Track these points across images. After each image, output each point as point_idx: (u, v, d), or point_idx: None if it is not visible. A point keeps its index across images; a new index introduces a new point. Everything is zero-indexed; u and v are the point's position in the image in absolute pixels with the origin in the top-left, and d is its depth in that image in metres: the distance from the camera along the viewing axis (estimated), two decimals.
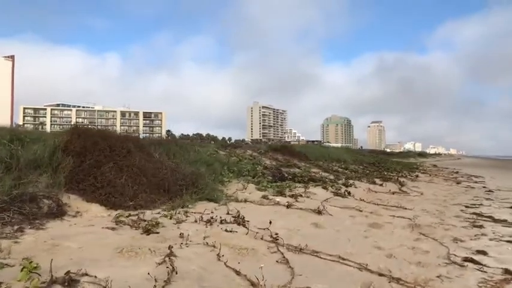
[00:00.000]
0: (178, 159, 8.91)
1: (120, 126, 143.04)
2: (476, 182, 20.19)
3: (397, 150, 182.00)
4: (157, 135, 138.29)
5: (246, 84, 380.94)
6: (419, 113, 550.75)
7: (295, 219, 7.15)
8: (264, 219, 6.71)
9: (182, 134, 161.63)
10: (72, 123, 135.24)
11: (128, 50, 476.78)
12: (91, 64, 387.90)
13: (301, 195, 9.12)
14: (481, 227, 8.25)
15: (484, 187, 17.47)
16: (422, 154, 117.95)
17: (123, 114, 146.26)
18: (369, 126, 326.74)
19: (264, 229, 5.98)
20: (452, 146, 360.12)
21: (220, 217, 6.02)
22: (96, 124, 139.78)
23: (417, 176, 20.61)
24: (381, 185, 14.11)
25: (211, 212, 6.65)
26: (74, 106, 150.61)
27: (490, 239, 7.07)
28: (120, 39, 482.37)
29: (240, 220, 6.06)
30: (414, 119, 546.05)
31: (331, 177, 13.78)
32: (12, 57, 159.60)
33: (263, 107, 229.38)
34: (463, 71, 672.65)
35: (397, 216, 8.50)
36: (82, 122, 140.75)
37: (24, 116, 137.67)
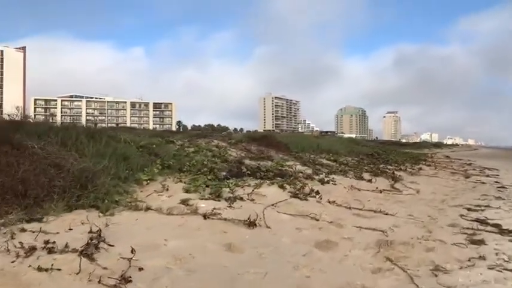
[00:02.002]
0: (80, 150, 6.82)
1: (131, 117, 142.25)
2: (488, 176, 17.66)
3: (413, 141, 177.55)
4: (167, 126, 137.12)
5: (265, 77, 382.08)
6: (437, 104, 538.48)
7: (204, 238, 4.97)
8: (150, 240, 4.57)
9: (194, 125, 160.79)
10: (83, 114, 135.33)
11: (154, 44, 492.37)
12: (118, 59, 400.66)
13: (241, 198, 6.92)
14: (480, 243, 5.97)
15: (496, 182, 14.98)
16: (437, 145, 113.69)
17: (133, 105, 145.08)
18: (384, 117, 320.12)
19: (128, 259, 3.83)
20: (471, 136, 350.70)
21: (54, 242, 3.86)
22: (106, 115, 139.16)
23: (420, 169, 18.16)
24: (369, 180, 11.80)
25: (69, 230, 4.52)
26: (87, 97, 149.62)
27: (490, 267, 4.79)
28: (146, 34, 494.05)
29: (90, 246, 3.90)
30: (432, 110, 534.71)
31: (309, 171, 11.53)
32: (24, 48, 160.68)
33: (276, 97, 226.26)
34: (482, 63, 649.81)
35: (366, 228, 6.24)
36: (92, 113, 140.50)
37: (35, 108, 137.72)
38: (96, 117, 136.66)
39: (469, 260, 5.02)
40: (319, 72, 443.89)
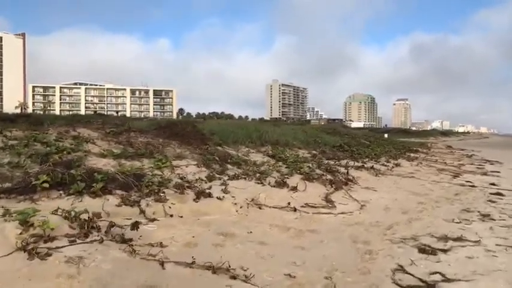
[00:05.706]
0: None
1: (131, 104, 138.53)
2: (485, 174, 13.64)
3: (423, 129, 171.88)
4: (168, 114, 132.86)
5: (283, 66, 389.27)
6: (450, 92, 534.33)
7: None
8: None
9: (198, 113, 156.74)
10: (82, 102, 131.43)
11: (179, 36, 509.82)
12: (143, 50, 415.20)
13: None
14: None
15: (492, 184, 10.98)
16: (445, 133, 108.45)
17: (133, 92, 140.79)
18: (394, 104, 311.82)
19: None
20: (484, 124, 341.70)
21: None
22: (105, 103, 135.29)
23: (397, 165, 14.16)
24: (294, 188, 7.92)
25: None
26: (90, 85, 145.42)
27: None
28: (171, 26, 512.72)
29: None
30: (445, 98, 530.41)
31: (202, 175, 7.69)
32: (23, 34, 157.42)
33: (283, 84, 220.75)
34: (497, 51, 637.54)
35: None
36: (91, 101, 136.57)
37: (33, 95, 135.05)
38: (95, 105, 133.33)
39: None
40: (336, 62, 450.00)
